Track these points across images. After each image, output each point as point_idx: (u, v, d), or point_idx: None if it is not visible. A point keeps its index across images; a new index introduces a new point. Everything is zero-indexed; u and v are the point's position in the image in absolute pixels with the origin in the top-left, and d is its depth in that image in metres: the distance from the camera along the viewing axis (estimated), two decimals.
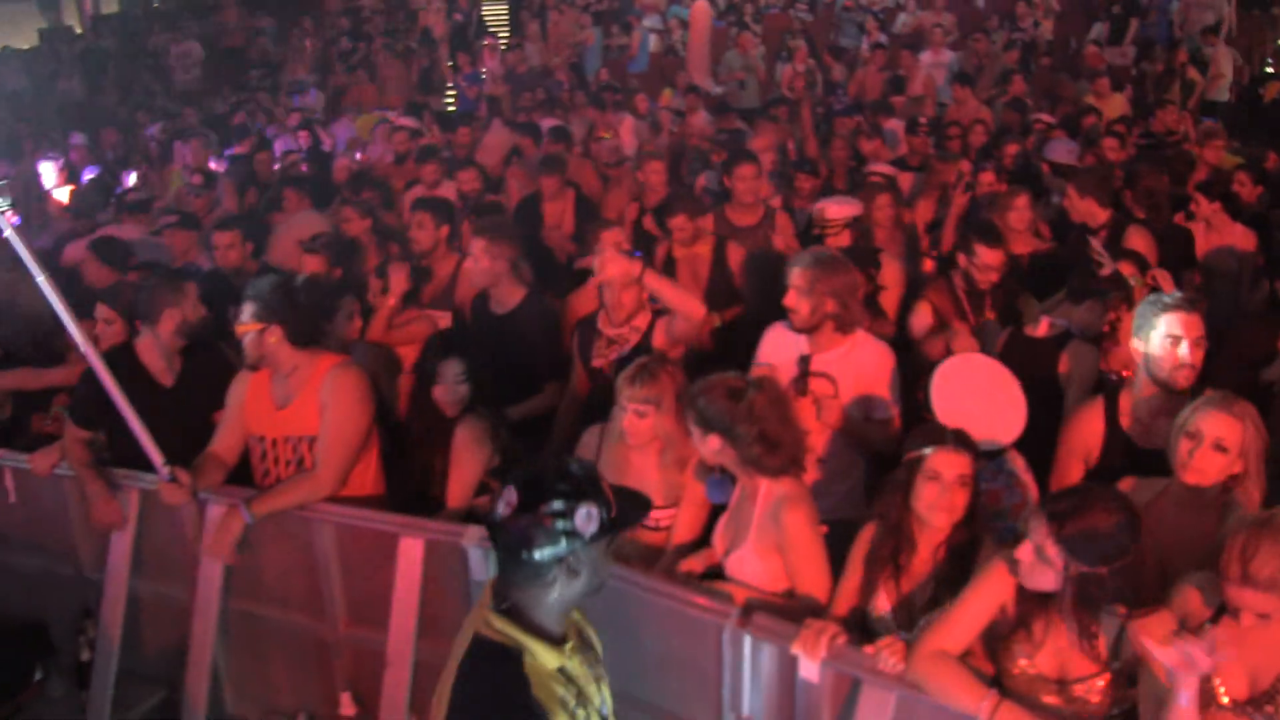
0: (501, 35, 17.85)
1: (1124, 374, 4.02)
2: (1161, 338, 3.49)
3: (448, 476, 4.11)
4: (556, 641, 2.29)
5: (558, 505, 2.19)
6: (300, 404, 3.97)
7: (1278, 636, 2.54)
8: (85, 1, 20.56)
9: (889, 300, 5.30)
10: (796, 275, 4.01)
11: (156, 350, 4.34)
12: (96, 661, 4.29)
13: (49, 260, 6.80)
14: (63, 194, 9.46)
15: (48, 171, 9.94)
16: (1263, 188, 6.73)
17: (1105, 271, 4.47)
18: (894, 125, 9.53)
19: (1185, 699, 2.41)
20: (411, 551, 3.80)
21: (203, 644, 4.17)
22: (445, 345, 4.75)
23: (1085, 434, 3.67)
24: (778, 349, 4.16)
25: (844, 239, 5.75)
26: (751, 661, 3.21)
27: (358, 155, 9.83)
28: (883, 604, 3.22)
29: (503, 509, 2.23)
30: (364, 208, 6.40)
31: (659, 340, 4.38)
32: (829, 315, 3.98)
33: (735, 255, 5.62)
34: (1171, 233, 5.98)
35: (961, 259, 4.88)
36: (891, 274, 5.34)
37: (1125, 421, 3.61)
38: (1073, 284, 4.58)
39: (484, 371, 4.22)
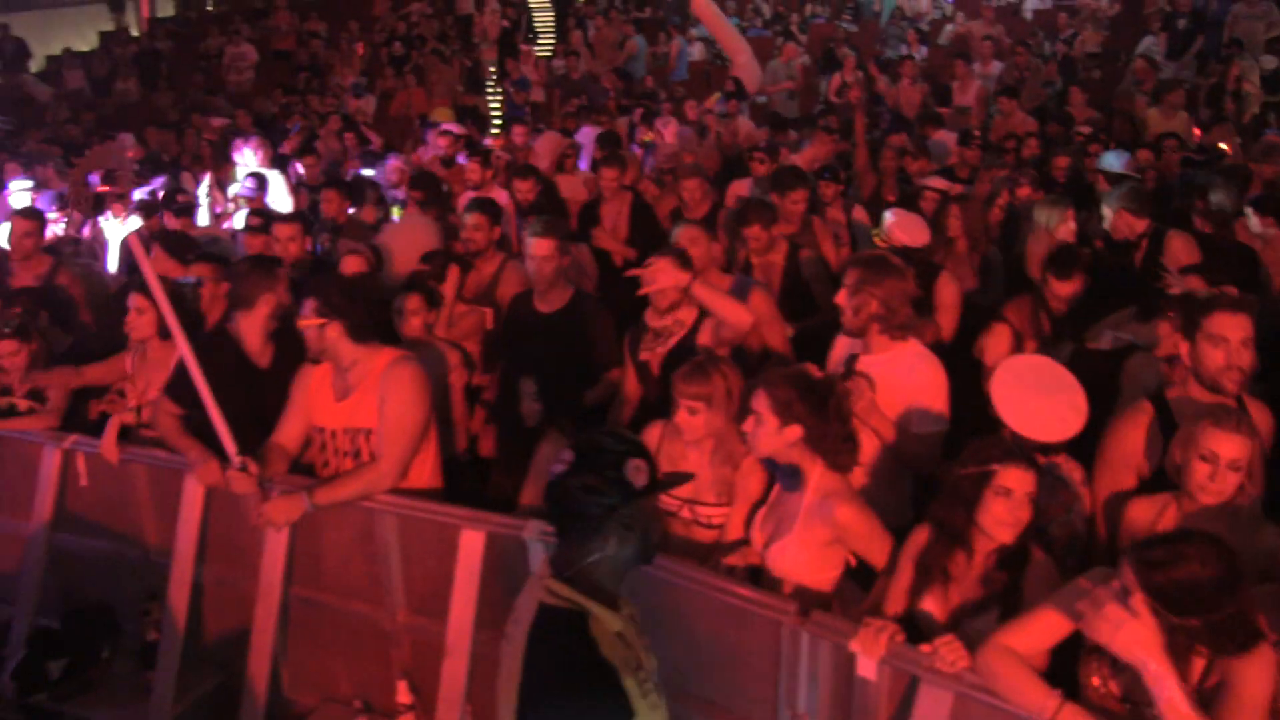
0: (548, 42, 18.01)
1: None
2: (1208, 338, 3.44)
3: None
4: (615, 606, 2.41)
5: (610, 457, 2.37)
6: (359, 397, 4.06)
7: None
8: (143, 5, 20.91)
9: (945, 322, 5.28)
10: (847, 274, 4.06)
11: (254, 333, 4.47)
12: (162, 643, 4.40)
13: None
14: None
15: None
16: None
17: (1174, 290, 4.45)
18: (942, 136, 9.55)
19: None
20: (473, 544, 3.88)
21: (265, 630, 4.26)
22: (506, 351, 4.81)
23: (1130, 441, 3.61)
24: (843, 351, 4.23)
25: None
26: (809, 658, 3.24)
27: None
28: (931, 608, 3.23)
29: (559, 466, 2.39)
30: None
31: (705, 338, 4.43)
32: (873, 317, 3.98)
33: (808, 261, 5.70)
34: (1236, 250, 5.88)
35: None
36: (949, 295, 5.32)
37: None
38: (1142, 303, 4.56)
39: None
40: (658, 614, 3.43)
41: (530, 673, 2.35)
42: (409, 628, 4.19)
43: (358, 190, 7.85)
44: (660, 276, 4.30)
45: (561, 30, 18.26)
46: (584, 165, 9.27)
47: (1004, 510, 3.07)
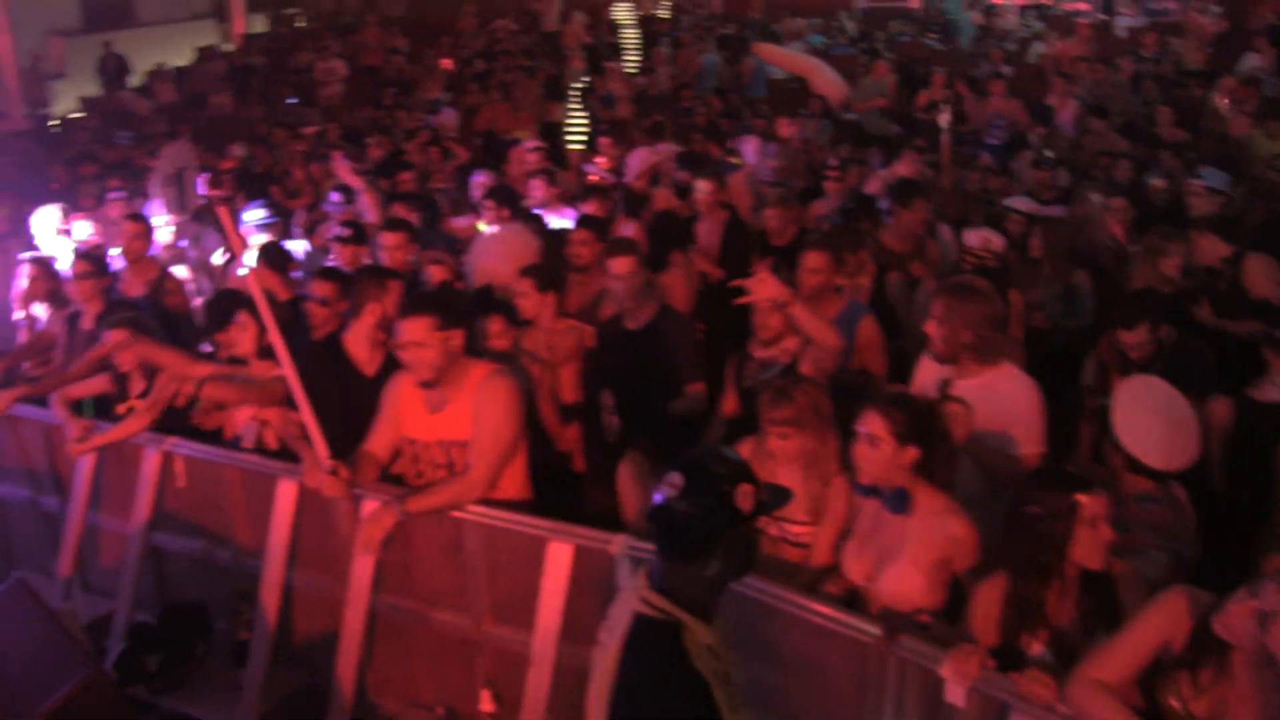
0: (635, 59, 18.13)
1: None
2: None
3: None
4: (709, 620, 2.43)
5: (718, 481, 2.39)
6: (453, 410, 4.09)
7: None
8: (237, 21, 21.51)
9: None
10: (935, 304, 4.04)
11: (360, 342, 4.57)
12: (253, 642, 4.50)
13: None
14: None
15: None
16: None
17: None
18: (1024, 158, 9.41)
19: None
20: (560, 556, 3.91)
21: (353, 634, 4.34)
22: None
23: None
24: (924, 376, 4.20)
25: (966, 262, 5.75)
26: (895, 682, 3.22)
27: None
28: (1034, 645, 3.18)
29: (667, 490, 2.40)
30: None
31: (806, 368, 4.46)
32: (965, 345, 3.98)
33: (894, 284, 5.71)
34: None
35: None
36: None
37: None
38: None
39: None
40: (742, 630, 3.44)
41: (622, 681, 2.39)
42: (494, 637, 4.23)
43: (431, 205, 7.95)
44: (760, 288, 4.32)
45: (647, 47, 18.38)
46: None
47: (1092, 539, 3.04)
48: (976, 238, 5.82)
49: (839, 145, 10.10)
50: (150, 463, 4.90)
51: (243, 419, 4.86)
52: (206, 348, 5.84)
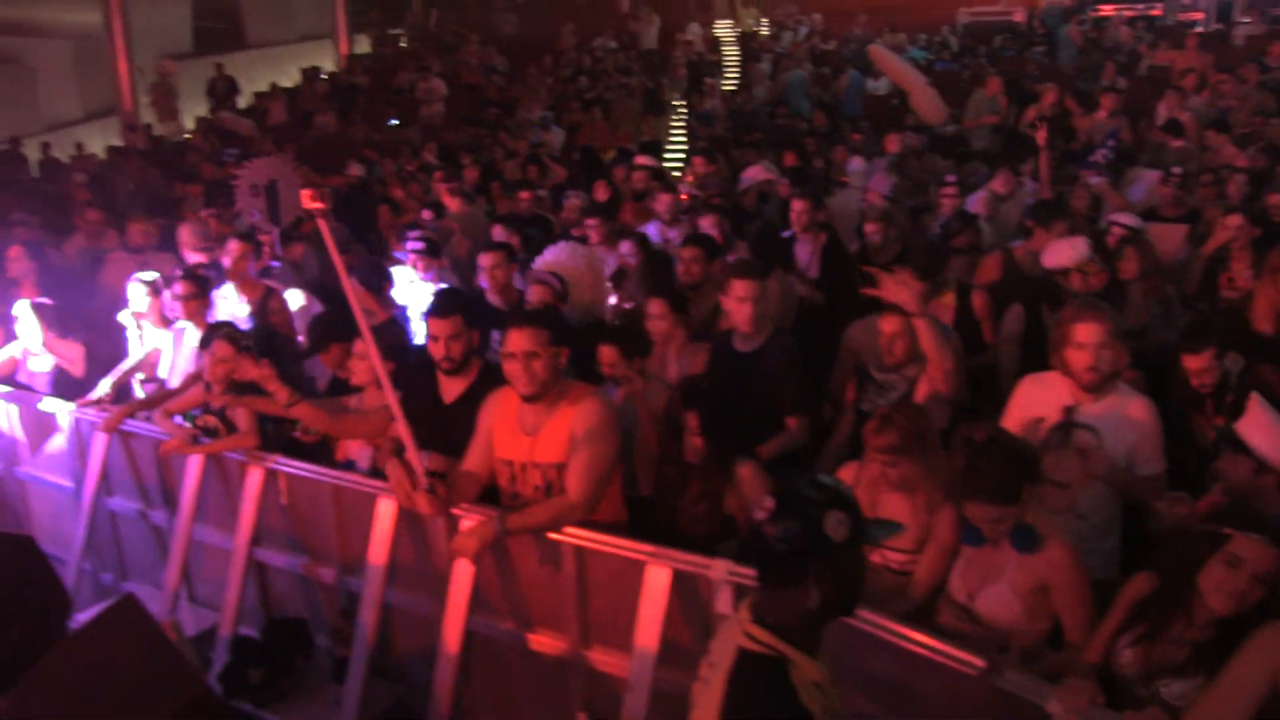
0: (734, 76, 18.14)
1: None
2: None
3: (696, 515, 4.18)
4: (815, 654, 2.36)
5: (808, 507, 2.30)
6: (550, 431, 4.07)
7: None
8: (341, 43, 22.07)
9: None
10: (1098, 330, 3.89)
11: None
12: (352, 659, 4.54)
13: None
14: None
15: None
16: None
17: None
18: (1140, 172, 9.13)
19: None
20: (658, 580, 3.87)
21: (450, 653, 4.34)
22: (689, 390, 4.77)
23: None
24: (1037, 400, 4.06)
25: (1074, 284, 5.56)
26: (998, 716, 3.10)
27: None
28: (1130, 660, 3.10)
29: (759, 514, 2.34)
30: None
31: (921, 394, 4.37)
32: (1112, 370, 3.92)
33: (980, 302, 5.55)
34: None
35: None
36: None
37: None
38: None
39: (720, 424, 4.26)
40: (840, 658, 3.35)
41: (728, 718, 2.31)
42: (590, 660, 4.20)
43: (544, 224, 8.00)
44: (895, 289, 4.24)
45: (746, 64, 18.37)
46: None
47: (1225, 577, 2.92)
48: (1068, 252, 5.58)
49: (933, 161, 9.94)
50: (254, 480, 4.99)
51: (355, 445, 4.92)
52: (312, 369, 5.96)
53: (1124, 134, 10.97)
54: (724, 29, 22.33)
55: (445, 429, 4.30)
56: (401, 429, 3.99)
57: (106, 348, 6.43)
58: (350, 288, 4.00)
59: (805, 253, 6.85)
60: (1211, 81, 12.80)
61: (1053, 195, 8.06)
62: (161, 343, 6.08)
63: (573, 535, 4.04)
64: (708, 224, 6.86)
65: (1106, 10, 20.35)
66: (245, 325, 6.17)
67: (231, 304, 6.39)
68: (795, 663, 2.30)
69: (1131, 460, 3.88)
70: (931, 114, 12.32)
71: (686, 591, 3.87)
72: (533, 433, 4.11)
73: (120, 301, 6.49)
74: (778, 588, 2.35)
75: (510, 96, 16.91)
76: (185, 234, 7.15)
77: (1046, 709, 2.95)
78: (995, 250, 6.42)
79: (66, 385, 6.23)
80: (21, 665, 2.44)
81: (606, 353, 4.77)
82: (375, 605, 4.55)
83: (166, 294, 6.19)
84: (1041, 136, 8.10)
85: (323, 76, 19.46)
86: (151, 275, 6.39)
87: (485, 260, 5.91)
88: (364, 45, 23.27)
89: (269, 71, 19.86)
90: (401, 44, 23.68)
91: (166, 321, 6.22)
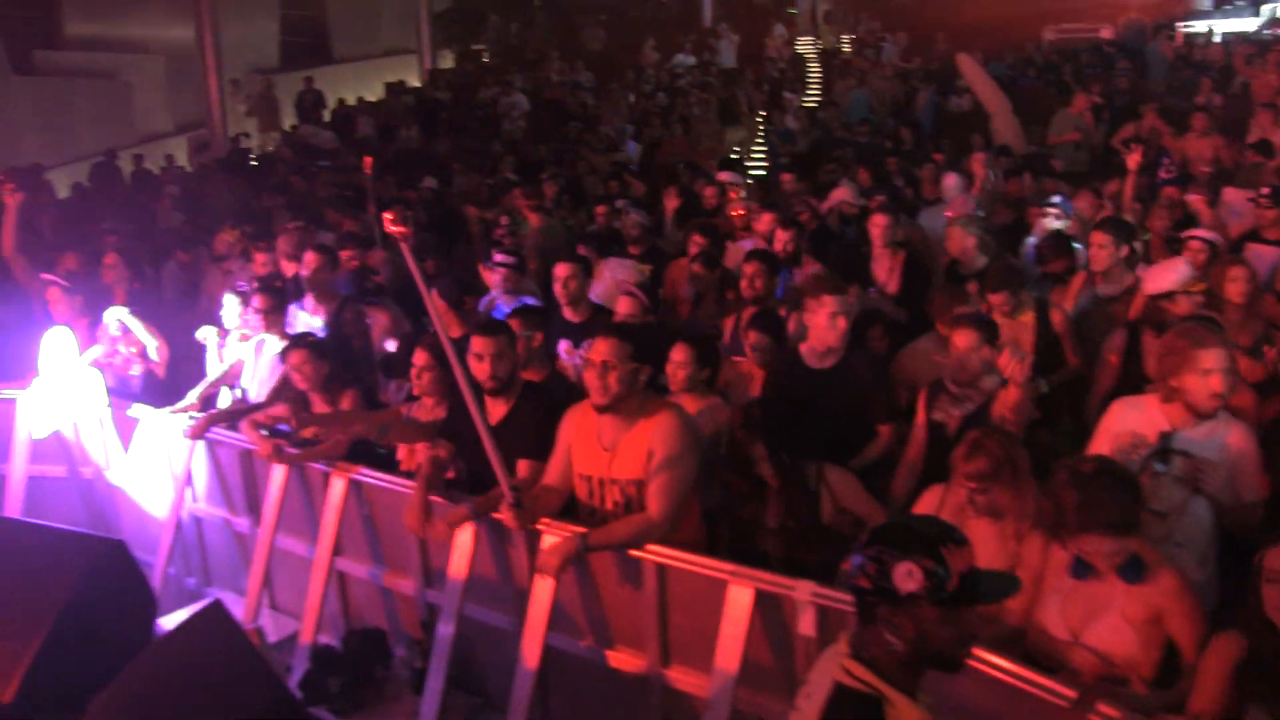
0: (815, 93, 18.05)
1: None
2: None
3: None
4: (915, 695, 2.27)
5: (878, 556, 2.23)
6: (627, 447, 4.04)
7: None
8: (424, 58, 22.39)
9: None
10: (1223, 354, 3.78)
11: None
12: (430, 670, 4.55)
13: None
14: None
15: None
16: None
17: None
18: (1234, 195, 8.82)
19: None
20: (740, 599, 3.81)
21: (528, 668, 4.32)
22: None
23: None
24: (1131, 423, 3.94)
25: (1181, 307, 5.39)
26: None
27: None
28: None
29: (853, 549, 2.30)
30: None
31: (997, 411, 4.28)
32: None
33: (1060, 320, 5.50)
34: None
35: None
36: None
37: None
38: None
39: (794, 443, 4.22)
40: (936, 694, 3.26)
41: None
42: (669, 679, 4.16)
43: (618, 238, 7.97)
44: (1012, 367, 4.18)
45: (828, 82, 18.28)
46: None
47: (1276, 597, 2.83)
48: (1171, 276, 5.38)
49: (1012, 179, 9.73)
50: (337, 490, 5.03)
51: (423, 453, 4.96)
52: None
53: (1221, 153, 10.68)
54: (806, 45, 22.25)
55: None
56: (487, 444, 3.98)
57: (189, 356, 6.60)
58: (432, 305, 4.01)
59: (883, 269, 6.77)
60: None
61: (1134, 216, 7.86)
62: (244, 354, 6.17)
63: (654, 553, 4.01)
64: (782, 239, 6.77)
65: (1196, 26, 19.86)
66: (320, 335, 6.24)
67: (307, 316, 6.47)
68: (893, 703, 2.22)
69: (1236, 486, 3.78)
70: (1013, 139, 12.13)
71: (769, 611, 3.81)
72: (611, 448, 4.09)
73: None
74: (869, 624, 2.28)
75: (593, 112, 16.98)
76: (283, 244, 7.26)
77: None
78: (1080, 272, 6.27)
79: (155, 392, 6.37)
80: (110, 668, 2.45)
81: (679, 351, 4.77)
82: (454, 618, 4.54)
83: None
84: (1135, 160, 7.87)
85: (406, 91, 19.73)
86: (241, 287, 6.52)
87: (560, 271, 5.93)
88: (448, 60, 23.57)
89: (354, 86, 20.20)
90: (484, 59, 23.94)
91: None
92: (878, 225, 6.78)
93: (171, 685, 2.74)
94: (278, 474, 5.28)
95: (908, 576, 2.19)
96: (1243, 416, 4.07)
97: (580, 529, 4.07)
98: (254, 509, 5.60)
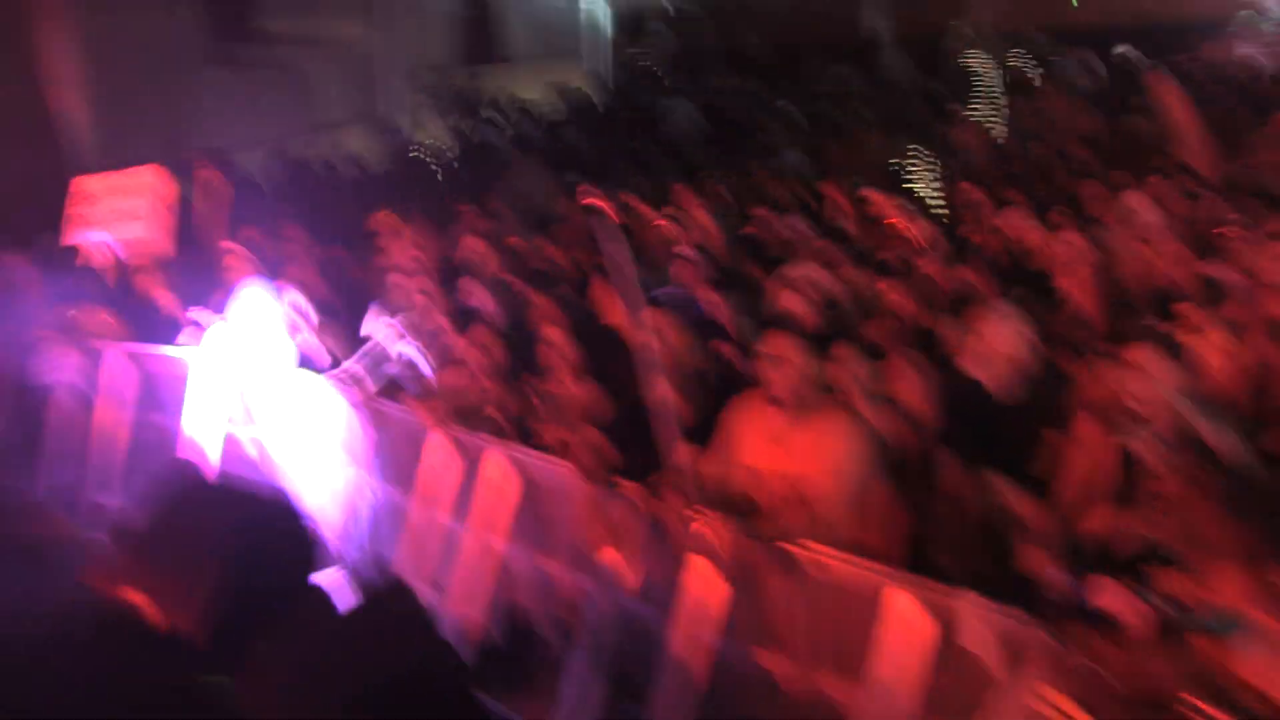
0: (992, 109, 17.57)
1: None
2: None
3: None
4: None
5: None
6: (797, 444, 4.03)
7: None
8: (590, 59, 22.68)
9: None
10: None
11: None
12: (582, 661, 4.57)
13: None
14: None
15: None
16: None
17: None
18: None
19: None
20: (898, 604, 3.69)
21: (680, 667, 4.28)
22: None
23: None
24: None
25: None
26: None
27: None
28: None
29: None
30: None
31: None
32: None
33: None
34: None
35: None
36: None
37: None
38: None
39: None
40: None
41: None
42: (820, 684, 4.08)
43: None
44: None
45: (998, 95, 17.77)
46: None
47: None
48: None
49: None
50: (511, 481, 4.99)
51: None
52: None
53: None
54: (976, 58, 21.67)
55: None
56: (664, 427, 3.98)
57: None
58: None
59: (1074, 291, 6.47)
60: None
61: None
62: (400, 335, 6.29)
63: (815, 553, 3.94)
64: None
65: None
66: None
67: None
68: None
69: None
70: (1203, 166, 11.53)
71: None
72: (779, 442, 4.06)
73: None
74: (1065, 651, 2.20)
75: (758, 120, 16.90)
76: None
77: None
78: None
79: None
80: (265, 616, 2.45)
81: (844, 353, 4.60)
82: (607, 609, 4.55)
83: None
84: None
85: (571, 91, 19.98)
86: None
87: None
88: (611, 63, 23.78)
89: (521, 86, 20.57)
90: (648, 65, 24.06)
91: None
92: (1064, 243, 6.68)
93: (356, 661, 2.73)
94: (438, 452, 5.33)
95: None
96: None
97: (739, 520, 4.03)
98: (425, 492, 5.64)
